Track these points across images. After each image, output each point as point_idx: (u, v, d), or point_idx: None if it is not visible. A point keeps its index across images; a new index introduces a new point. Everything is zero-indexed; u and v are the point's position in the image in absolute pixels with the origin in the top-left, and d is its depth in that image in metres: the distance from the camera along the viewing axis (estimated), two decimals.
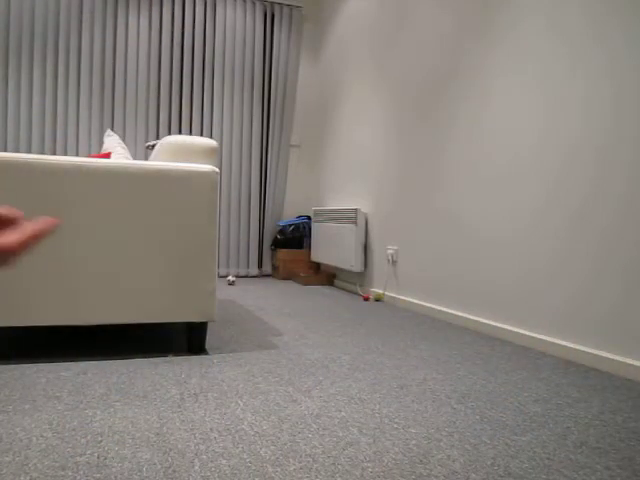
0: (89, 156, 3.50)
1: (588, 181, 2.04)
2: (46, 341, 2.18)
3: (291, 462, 1.12)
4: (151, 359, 1.91)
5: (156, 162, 2.01)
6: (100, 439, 1.20)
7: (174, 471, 1.07)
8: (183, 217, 1.95)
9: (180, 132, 4.48)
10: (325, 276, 4.37)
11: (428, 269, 3.08)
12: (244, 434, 1.27)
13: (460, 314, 2.75)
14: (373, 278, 3.71)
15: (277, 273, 4.67)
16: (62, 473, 1.05)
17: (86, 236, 1.85)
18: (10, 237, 0.46)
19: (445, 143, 2.95)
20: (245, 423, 1.34)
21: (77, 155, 4.12)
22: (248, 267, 4.73)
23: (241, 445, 1.21)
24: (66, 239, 1.83)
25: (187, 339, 2.08)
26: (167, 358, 1.93)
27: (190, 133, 4.49)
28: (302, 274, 4.37)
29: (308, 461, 1.13)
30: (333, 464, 1.12)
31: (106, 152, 2.36)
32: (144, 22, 4.32)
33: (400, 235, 3.39)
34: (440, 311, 2.92)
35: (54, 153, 4.10)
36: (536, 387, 1.72)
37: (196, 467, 1.09)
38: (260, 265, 4.83)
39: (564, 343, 2.11)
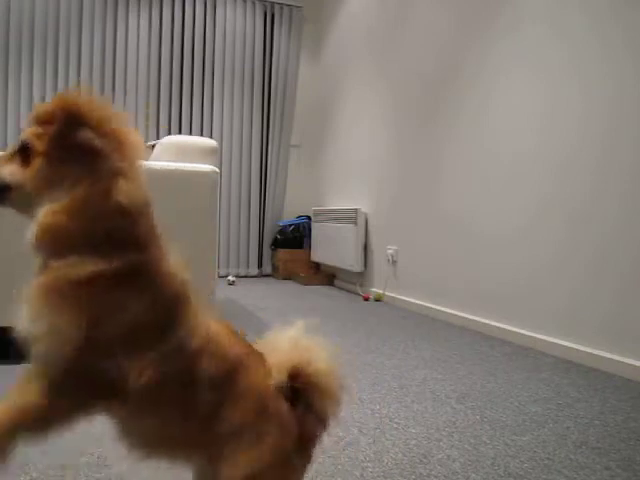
0: None
1: (588, 181, 2.04)
2: None
3: None
4: None
5: (156, 162, 2.01)
6: (100, 439, 1.20)
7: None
8: (183, 217, 1.95)
9: (180, 132, 4.48)
10: (325, 276, 4.37)
11: (428, 269, 3.08)
12: None
13: (460, 314, 2.75)
14: (373, 278, 3.71)
15: (277, 273, 4.67)
16: (62, 473, 1.05)
17: None
18: None
19: (445, 143, 2.94)
20: None
21: None
22: (248, 267, 4.73)
23: None
24: None
25: None
26: None
27: (190, 133, 4.49)
28: (302, 274, 4.36)
29: None
30: (333, 464, 1.12)
31: None
32: (144, 22, 4.32)
33: (400, 235, 3.39)
34: (440, 311, 2.91)
35: None
36: (536, 387, 1.72)
37: None
38: (260, 265, 4.83)
39: (564, 343, 2.11)
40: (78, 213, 0.57)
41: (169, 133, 4.42)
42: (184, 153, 2.05)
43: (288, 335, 0.70)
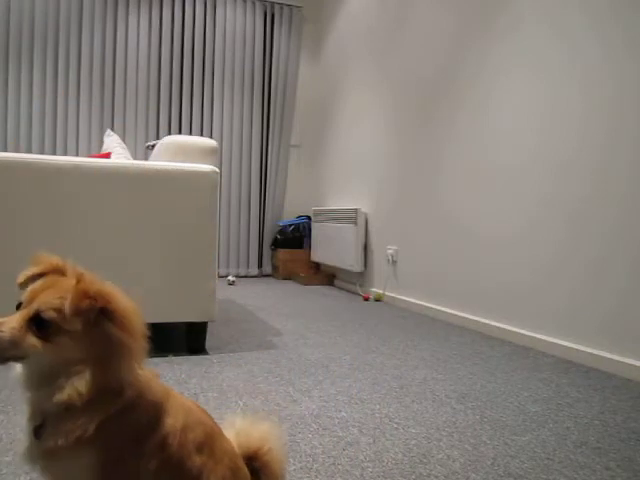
0: (89, 156, 3.50)
1: (589, 181, 2.04)
2: None
3: (291, 462, 1.12)
4: (151, 359, 1.90)
5: (156, 162, 2.01)
6: None
7: None
8: (183, 217, 1.95)
9: (180, 132, 4.48)
10: (325, 276, 4.37)
11: (428, 269, 3.08)
12: None
13: (460, 314, 2.75)
14: (373, 278, 3.71)
15: (277, 273, 4.67)
16: None
17: (86, 236, 1.85)
18: None
19: (445, 143, 2.95)
20: None
21: (77, 155, 4.12)
22: (248, 267, 4.73)
23: None
24: (65, 239, 1.83)
25: (187, 339, 2.08)
26: (167, 358, 1.93)
27: (190, 133, 4.49)
28: (302, 274, 4.36)
29: (308, 461, 1.13)
30: (333, 464, 1.12)
31: (106, 152, 2.36)
32: (144, 22, 4.32)
33: (400, 235, 3.39)
34: (440, 311, 2.92)
35: (54, 153, 4.10)
36: (536, 387, 1.72)
37: None
38: (260, 265, 4.83)
39: (564, 343, 2.11)
40: (99, 392, 0.62)
41: (169, 133, 4.42)
42: (184, 153, 2.05)
43: (250, 423, 0.83)
